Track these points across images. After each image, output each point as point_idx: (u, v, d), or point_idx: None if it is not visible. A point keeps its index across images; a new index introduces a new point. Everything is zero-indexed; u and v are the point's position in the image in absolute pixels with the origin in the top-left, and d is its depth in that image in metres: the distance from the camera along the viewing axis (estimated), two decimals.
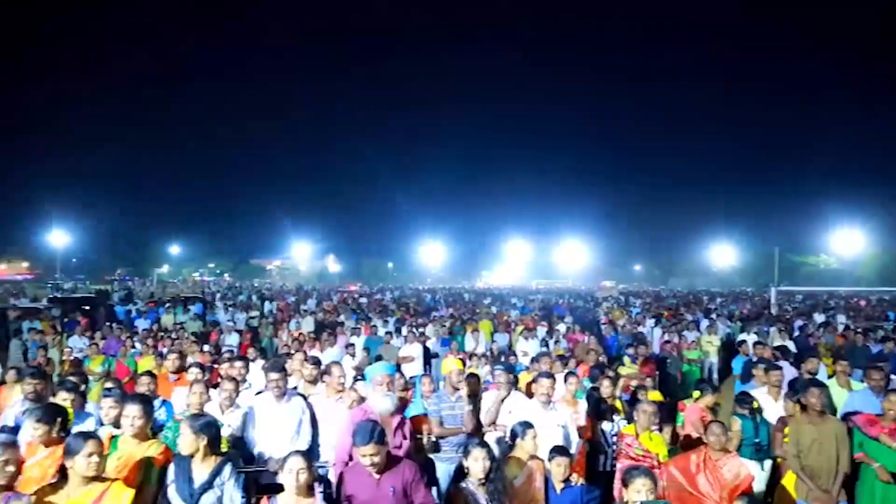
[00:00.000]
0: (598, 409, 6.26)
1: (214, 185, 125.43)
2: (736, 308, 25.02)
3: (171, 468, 3.96)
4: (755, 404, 6.03)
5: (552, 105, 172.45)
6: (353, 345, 11.26)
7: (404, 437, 4.90)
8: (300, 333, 13.33)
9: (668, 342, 12.11)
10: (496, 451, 4.60)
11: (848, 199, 65.45)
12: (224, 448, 4.45)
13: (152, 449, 4.17)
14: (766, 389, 6.67)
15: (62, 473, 3.54)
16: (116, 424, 4.55)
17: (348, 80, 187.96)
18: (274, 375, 5.32)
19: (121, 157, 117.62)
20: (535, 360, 8.21)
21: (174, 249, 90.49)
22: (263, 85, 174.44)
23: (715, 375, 12.58)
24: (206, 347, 10.83)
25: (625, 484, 3.99)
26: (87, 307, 19.14)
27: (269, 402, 5.32)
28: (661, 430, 5.60)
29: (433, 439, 5.52)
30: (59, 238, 61.25)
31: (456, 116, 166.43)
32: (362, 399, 5.58)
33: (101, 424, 4.85)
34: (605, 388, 6.45)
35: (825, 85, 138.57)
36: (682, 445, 6.12)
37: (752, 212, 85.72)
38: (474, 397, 6.01)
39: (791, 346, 10.80)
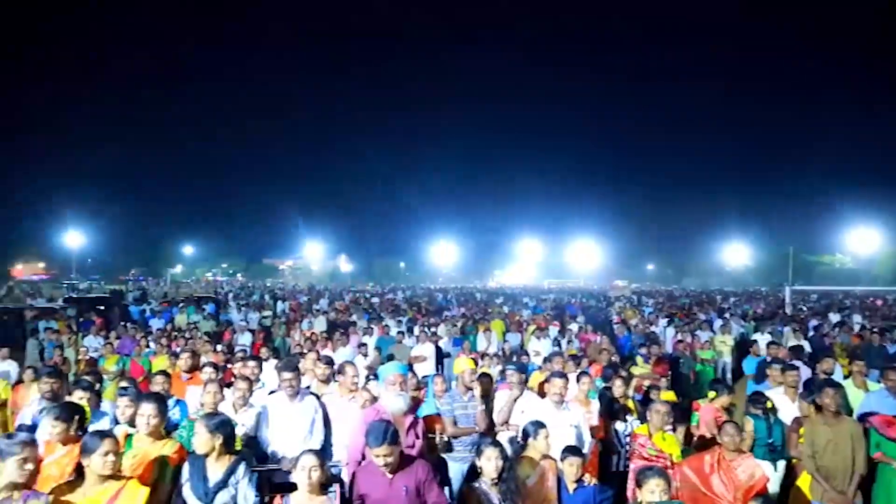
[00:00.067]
0: (611, 409, 6.25)
1: (227, 186, 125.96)
2: (750, 308, 24.81)
3: (186, 467, 3.99)
4: (769, 404, 5.99)
5: (556, 105, 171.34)
6: (365, 344, 11.28)
7: (417, 437, 4.91)
8: (312, 333, 13.38)
9: (680, 342, 12.04)
10: (509, 450, 4.60)
11: (863, 197, 64.65)
12: (238, 447, 4.48)
13: (167, 448, 4.21)
14: (781, 390, 6.62)
15: (79, 472, 3.58)
16: (131, 423, 4.59)
17: (360, 79, 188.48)
18: (287, 375, 5.34)
19: (136, 158, 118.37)
20: (547, 359, 8.20)
21: (187, 250, 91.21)
22: (274, 85, 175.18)
23: (728, 375, 12.49)
24: (219, 347, 10.90)
25: (638, 484, 3.99)
26: (102, 307, 19.32)
27: (283, 402, 5.34)
28: (674, 430, 5.58)
29: (445, 439, 5.53)
30: (74, 239, 61.92)
31: (461, 116, 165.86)
32: (375, 399, 5.59)
33: (116, 423, 4.90)
34: (618, 387, 6.44)
35: (838, 84, 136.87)
36: (696, 446, 6.09)
37: (766, 211, 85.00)
38: (486, 397, 6.02)
39: (806, 346, 10.71)
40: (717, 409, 6.26)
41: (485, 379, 6.35)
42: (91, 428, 4.31)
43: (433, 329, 13.66)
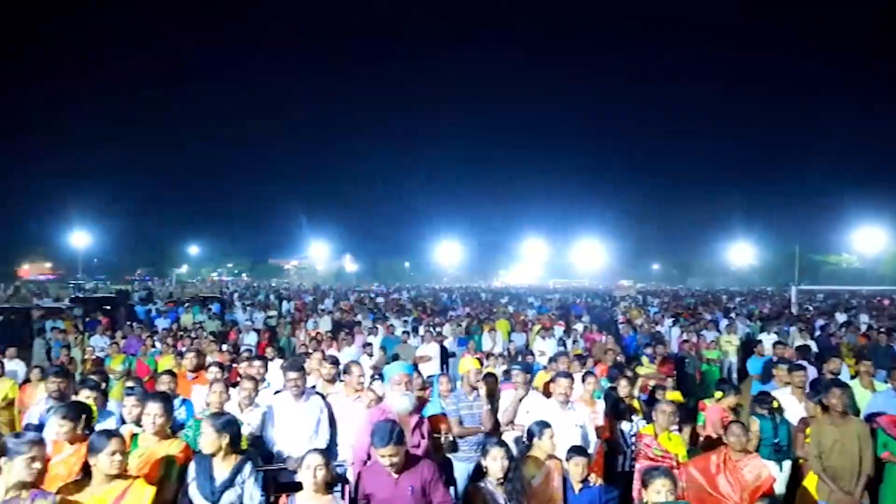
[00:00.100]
0: (617, 409, 6.23)
1: (233, 186, 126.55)
2: (755, 307, 24.74)
3: (192, 466, 4.00)
4: (775, 404, 5.97)
5: (559, 104, 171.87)
6: (370, 344, 11.30)
7: (422, 437, 4.92)
8: (318, 333, 13.42)
9: (686, 342, 12.02)
10: (514, 450, 4.59)
11: (869, 196, 64.50)
12: (244, 447, 4.49)
13: (173, 447, 4.22)
14: (789, 390, 6.58)
15: (86, 471, 3.59)
16: (138, 422, 4.60)
17: (361, 79, 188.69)
18: (292, 374, 5.35)
19: (142, 158, 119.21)
20: (552, 359, 8.18)
21: (193, 250, 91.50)
22: (276, 85, 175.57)
23: (734, 375, 12.46)
24: (224, 347, 10.93)
25: (644, 484, 3.97)
26: (108, 307, 19.41)
27: (288, 401, 5.35)
28: (680, 430, 5.57)
29: (451, 439, 5.53)
30: (80, 239, 62.18)
31: (463, 116, 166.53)
32: (380, 398, 5.60)
33: (123, 422, 4.91)
34: (623, 387, 6.43)
35: (845, 83, 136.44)
36: (702, 446, 6.07)
37: (771, 210, 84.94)
38: (491, 397, 6.01)
39: (812, 345, 10.67)
40: (723, 409, 6.24)
41: (490, 379, 6.34)
42: (98, 427, 4.32)
43: (438, 329, 13.67)
